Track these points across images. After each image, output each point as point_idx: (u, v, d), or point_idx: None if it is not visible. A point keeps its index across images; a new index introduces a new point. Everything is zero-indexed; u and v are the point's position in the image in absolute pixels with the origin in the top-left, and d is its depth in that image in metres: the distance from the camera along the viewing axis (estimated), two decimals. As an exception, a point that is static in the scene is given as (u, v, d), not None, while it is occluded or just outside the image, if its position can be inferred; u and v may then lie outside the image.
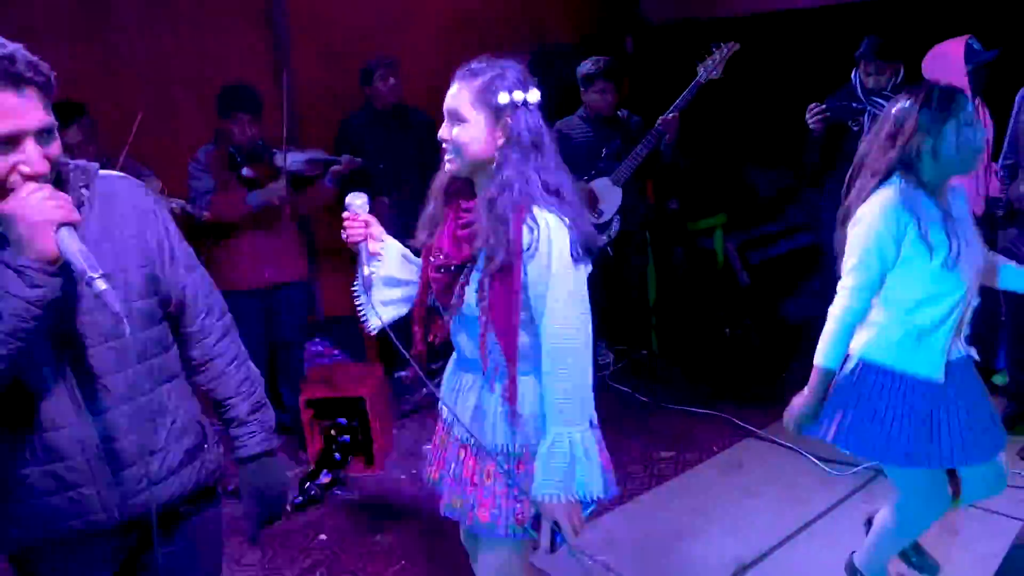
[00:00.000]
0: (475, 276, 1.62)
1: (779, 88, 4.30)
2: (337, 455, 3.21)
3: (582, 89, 3.75)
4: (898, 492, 2.16)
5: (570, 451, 1.56)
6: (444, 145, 1.61)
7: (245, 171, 3.19)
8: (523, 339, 1.62)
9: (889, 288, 1.98)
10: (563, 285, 1.55)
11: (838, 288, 2.02)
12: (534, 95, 1.58)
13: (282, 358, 3.56)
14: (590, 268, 1.62)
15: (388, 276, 1.76)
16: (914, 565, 2.35)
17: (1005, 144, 3.07)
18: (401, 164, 3.71)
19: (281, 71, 3.48)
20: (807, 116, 3.26)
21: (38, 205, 1.15)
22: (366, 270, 1.68)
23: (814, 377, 2.03)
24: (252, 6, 3.88)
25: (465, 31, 4.19)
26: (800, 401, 2.08)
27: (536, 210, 1.55)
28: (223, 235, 3.27)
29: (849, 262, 1.98)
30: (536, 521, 1.64)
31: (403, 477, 3.26)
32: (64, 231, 1.17)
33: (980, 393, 2.05)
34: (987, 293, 2.85)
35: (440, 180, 1.70)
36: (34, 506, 1.32)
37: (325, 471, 3.14)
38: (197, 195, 3.18)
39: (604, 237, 3.78)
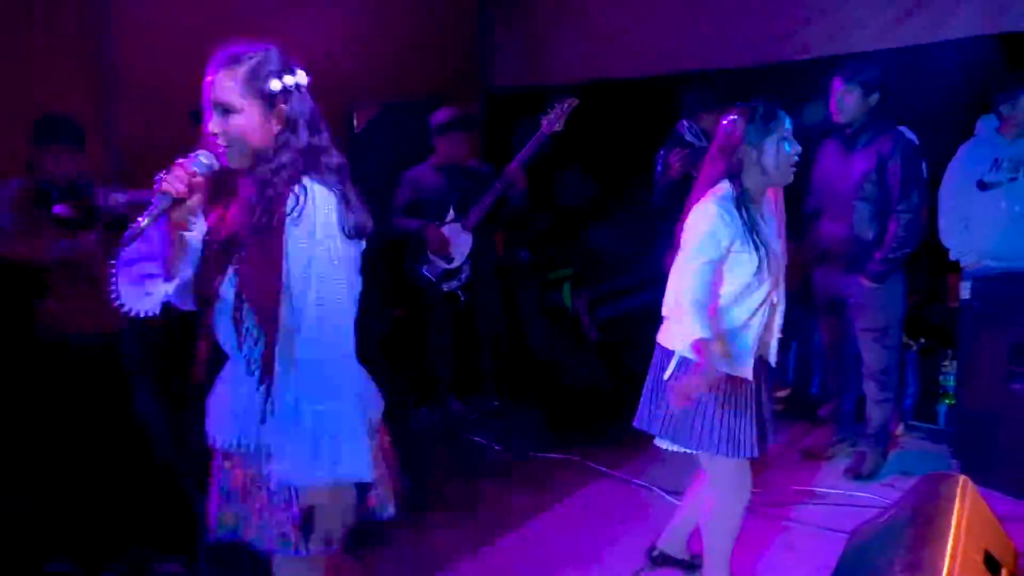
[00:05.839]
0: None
1: (616, 148, 4.57)
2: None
3: (436, 137, 3.80)
4: (712, 489, 2.28)
5: (335, 426, 1.45)
6: (217, 140, 1.49)
7: (57, 209, 2.88)
8: (282, 310, 1.50)
9: None
10: (329, 252, 1.48)
11: (683, 273, 2.08)
12: (302, 77, 1.54)
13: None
14: (362, 247, 1.56)
15: (191, 249, 1.55)
16: None
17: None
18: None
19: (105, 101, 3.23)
20: (670, 160, 3.45)
21: None
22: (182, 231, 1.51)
23: (703, 349, 2.05)
24: (76, 38, 3.61)
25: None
26: (696, 375, 2.07)
27: (306, 180, 1.50)
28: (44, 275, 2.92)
29: (689, 247, 2.08)
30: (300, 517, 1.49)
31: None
32: None
33: (769, 391, 2.29)
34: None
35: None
36: None
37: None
38: None
39: (455, 282, 3.78)
